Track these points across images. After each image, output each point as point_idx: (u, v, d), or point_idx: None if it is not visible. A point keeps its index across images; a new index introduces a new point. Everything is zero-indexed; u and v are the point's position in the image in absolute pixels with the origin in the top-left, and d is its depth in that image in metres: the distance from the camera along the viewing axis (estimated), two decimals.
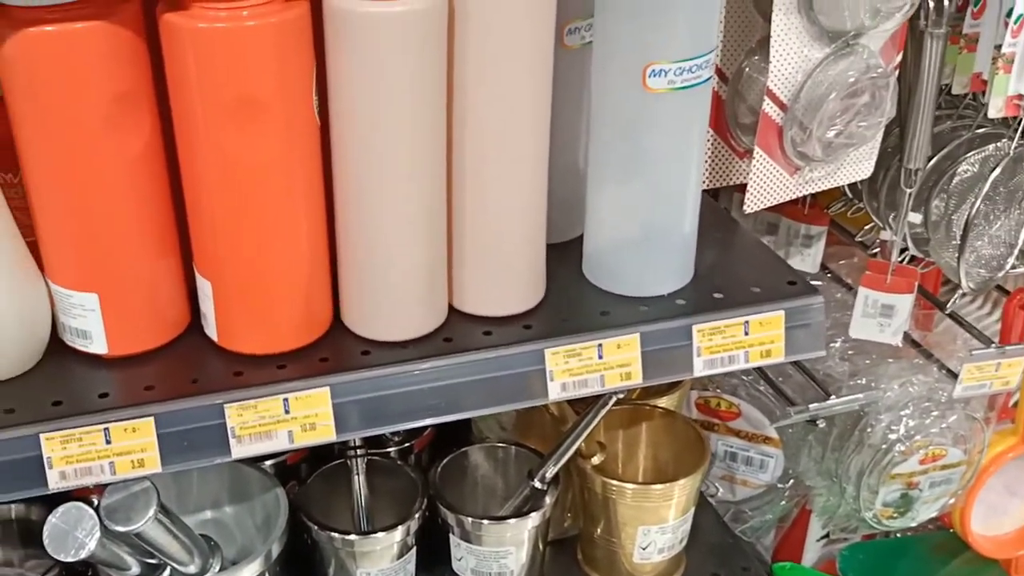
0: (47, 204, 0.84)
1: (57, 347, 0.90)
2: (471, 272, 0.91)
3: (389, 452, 1.16)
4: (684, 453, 1.10)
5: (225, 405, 0.85)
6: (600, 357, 0.90)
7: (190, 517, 1.07)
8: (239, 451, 0.87)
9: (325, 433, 0.88)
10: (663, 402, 1.15)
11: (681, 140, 0.89)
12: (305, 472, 1.13)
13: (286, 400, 0.86)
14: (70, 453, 0.83)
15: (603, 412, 1.00)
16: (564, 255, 0.98)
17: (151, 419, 0.84)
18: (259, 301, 0.87)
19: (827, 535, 1.40)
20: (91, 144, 0.81)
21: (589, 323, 0.91)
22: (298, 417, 0.87)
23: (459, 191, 0.88)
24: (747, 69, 1.03)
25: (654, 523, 1.07)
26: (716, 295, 0.95)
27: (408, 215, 0.86)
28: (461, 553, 1.08)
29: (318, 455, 1.15)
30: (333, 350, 0.90)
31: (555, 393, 0.90)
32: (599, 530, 1.11)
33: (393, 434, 1.18)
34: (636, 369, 0.91)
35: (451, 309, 0.93)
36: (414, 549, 1.07)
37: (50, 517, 0.87)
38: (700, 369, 0.92)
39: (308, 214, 0.86)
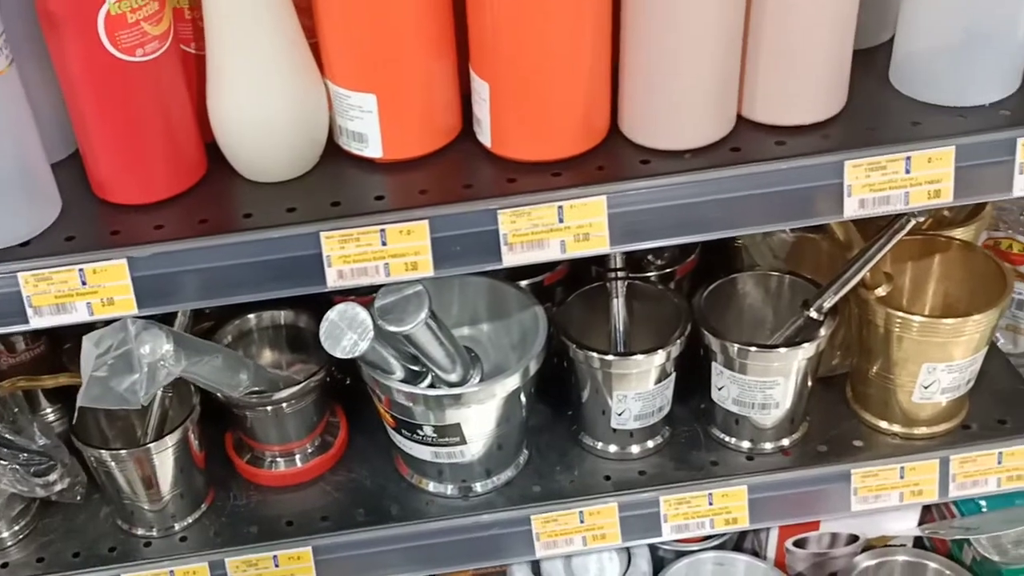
0: (330, 2, 0.83)
1: (333, 152, 0.91)
2: (765, 77, 0.84)
3: (650, 277, 1.12)
4: (980, 289, 1.01)
5: (498, 211, 0.84)
6: (907, 172, 0.82)
7: None
8: (510, 259, 0.85)
9: (599, 244, 0.85)
10: (959, 234, 1.06)
11: None
12: (560, 295, 1.12)
13: (560, 208, 0.84)
14: (347, 253, 0.84)
15: (899, 236, 0.92)
16: (869, 62, 0.90)
17: (425, 222, 0.84)
18: (537, 104, 0.84)
19: None
20: None
21: (896, 134, 0.84)
22: (571, 227, 0.84)
23: None
24: None
25: (941, 360, 1.00)
26: None
27: (703, 11, 0.79)
28: (723, 382, 1.04)
29: (574, 278, 1.14)
30: (610, 159, 0.86)
31: (851, 210, 0.84)
32: (876, 367, 1.04)
33: (655, 258, 1.15)
34: (947, 186, 0.82)
35: (739, 118, 0.87)
36: (673, 376, 1.04)
37: (328, 314, 0.89)
38: (1021, 188, 0.83)
39: (595, 13, 0.81)
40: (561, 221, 0.84)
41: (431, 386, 1.00)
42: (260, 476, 1.10)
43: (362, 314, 0.89)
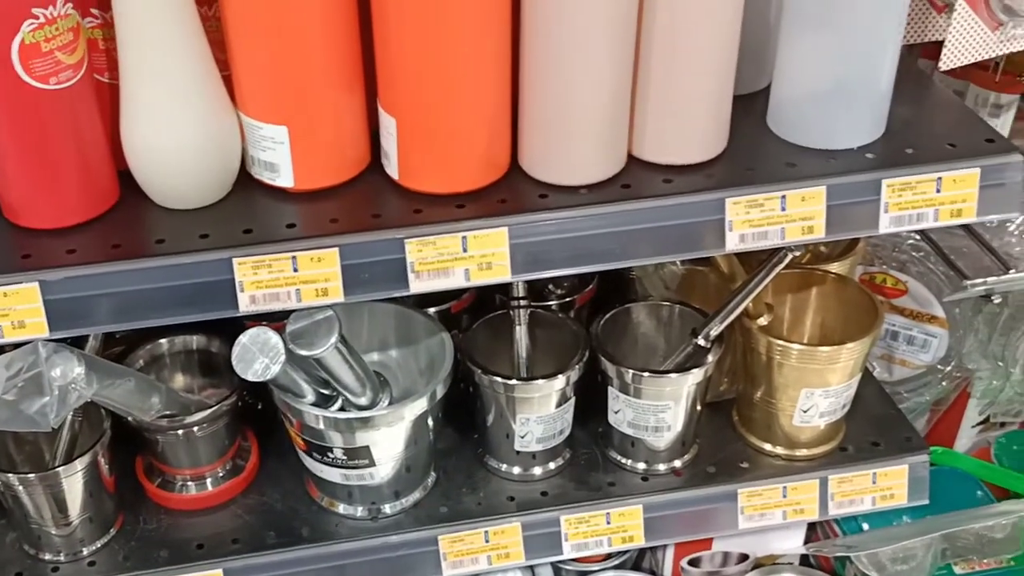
0: (242, 35, 0.86)
1: (245, 181, 0.93)
2: (654, 119, 0.90)
3: (550, 305, 1.17)
4: (854, 319, 1.08)
5: (405, 240, 0.87)
6: (783, 209, 0.89)
7: None
8: (417, 286, 0.89)
9: (501, 273, 0.90)
10: (835, 268, 1.13)
11: None
12: (466, 323, 1.16)
13: (464, 238, 0.88)
14: (260, 279, 0.87)
15: (778, 269, 0.99)
16: (748, 107, 0.96)
17: (336, 250, 0.87)
18: (442, 139, 0.88)
19: (984, 421, 1.37)
20: None
21: (773, 174, 0.90)
22: (475, 256, 0.89)
23: (647, 35, 0.87)
24: None
25: (818, 386, 1.07)
26: (908, 150, 0.92)
27: (594, 57, 0.85)
28: (619, 406, 1.09)
29: (479, 307, 1.18)
30: (511, 192, 0.91)
31: (733, 244, 0.90)
32: (759, 392, 1.11)
33: (555, 287, 1.20)
34: (819, 223, 0.89)
35: (630, 158, 0.93)
36: (572, 400, 1.09)
37: (240, 338, 0.91)
38: (886, 226, 0.90)
39: (495, 54, 0.86)
40: (465, 250, 0.88)
41: (341, 409, 1.03)
42: (171, 500, 1.11)
43: (274, 338, 0.91)
